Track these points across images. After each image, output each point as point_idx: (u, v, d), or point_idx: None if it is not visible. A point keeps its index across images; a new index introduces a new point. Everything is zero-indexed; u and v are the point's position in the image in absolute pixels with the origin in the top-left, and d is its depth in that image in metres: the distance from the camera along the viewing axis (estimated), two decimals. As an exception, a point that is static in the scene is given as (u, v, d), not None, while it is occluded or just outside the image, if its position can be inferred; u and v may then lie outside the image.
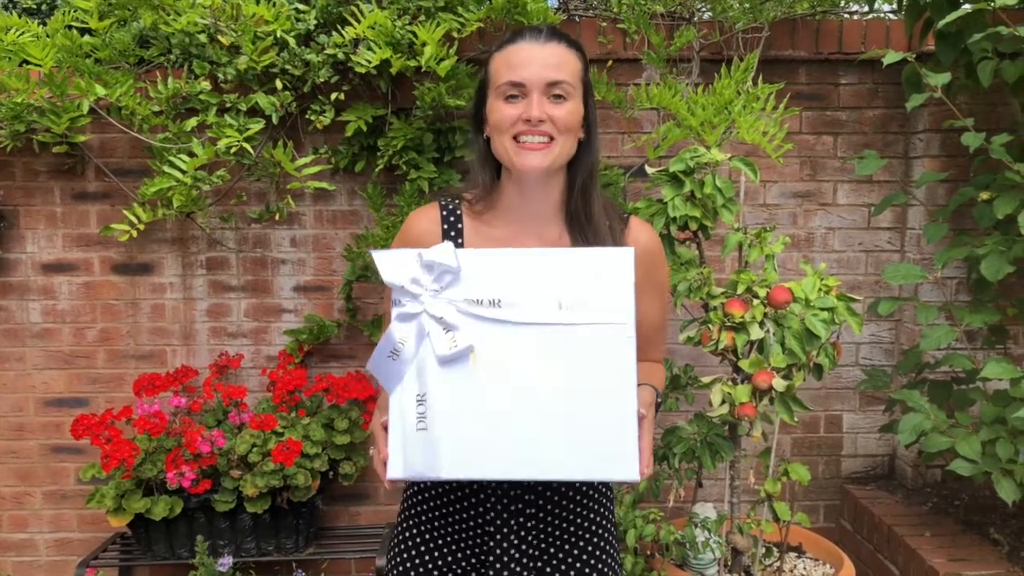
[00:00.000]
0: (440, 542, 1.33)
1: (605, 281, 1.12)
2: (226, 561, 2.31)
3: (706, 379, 1.96)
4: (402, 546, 1.37)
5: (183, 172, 2.29)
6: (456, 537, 1.32)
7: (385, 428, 1.15)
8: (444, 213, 1.33)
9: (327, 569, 2.65)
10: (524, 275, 1.13)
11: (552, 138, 1.23)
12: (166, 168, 2.30)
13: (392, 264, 1.14)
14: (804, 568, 2.24)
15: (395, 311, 1.15)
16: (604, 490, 1.39)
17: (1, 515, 2.70)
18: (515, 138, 1.23)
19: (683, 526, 2.11)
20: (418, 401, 1.13)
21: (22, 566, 2.72)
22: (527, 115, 1.21)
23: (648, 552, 2.17)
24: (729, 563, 2.12)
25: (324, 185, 2.44)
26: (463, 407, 1.12)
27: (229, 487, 2.33)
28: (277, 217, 2.56)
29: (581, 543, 1.33)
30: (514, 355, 1.12)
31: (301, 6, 2.36)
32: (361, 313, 2.63)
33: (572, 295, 1.12)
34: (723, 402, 1.89)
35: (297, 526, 2.45)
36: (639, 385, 1.15)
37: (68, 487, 2.69)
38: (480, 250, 1.17)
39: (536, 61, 1.21)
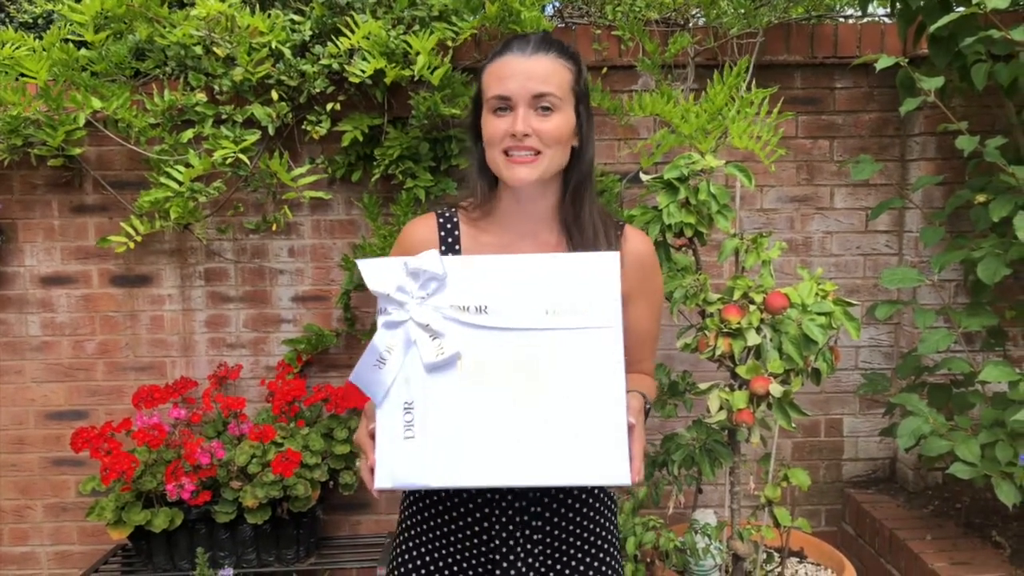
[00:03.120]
0: (442, 563, 1.32)
1: (591, 286, 1.11)
2: (227, 572, 2.31)
3: (703, 385, 1.96)
4: (403, 557, 1.36)
5: (179, 183, 2.29)
6: (460, 556, 1.31)
7: (372, 436, 1.15)
8: (441, 221, 1.33)
9: (328, 579, 2.65)
10: (510, 281, 1.13)
11: (539, 152, 1.23)
12: (162, 179, 2.30)
13: (377, 272, 1.14)
14: (806, 573, 2.23)
15: (381, 319, 1.14)
16: (607, 501, 1.38)
17: (2, 529, 2.70)
18: (505, 152, 1.24)
19: (683, 533, 2.11)
20: (405, 409, 1.12)
21: (23, 579, 2.72)
22: (512, 130, 1.21)
23: (649, 559, 2.16)
24: (730, 569, 2.12)
25: (321, 195, 2.45)
26: (451, 414, 1.11)
27: (229, 498, 2.33)
28: (274, 228, 2.56)
29: (588, 558, 1.32)
30: (501, 361, 1.11)
31: (296, 17, 2.37)
32: (359, 322, 2.63)
33: (558, 300, 1.11)
34: (721, 408, 1.88)
35: (298, 536, 2.45)
36: (628, 392, 1.14)
37: (68, 500, 2.69)
38: (465, 256, 1.18)
39: (521, 74, 1.22)
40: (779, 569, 2.15)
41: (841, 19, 2.68)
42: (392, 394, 1.13)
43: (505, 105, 1.23)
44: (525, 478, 1.11)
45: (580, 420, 1.10)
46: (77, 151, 2.47)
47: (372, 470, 1.13)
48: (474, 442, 1.10)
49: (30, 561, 2.71)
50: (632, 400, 1.19)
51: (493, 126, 1.24)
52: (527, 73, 1.22)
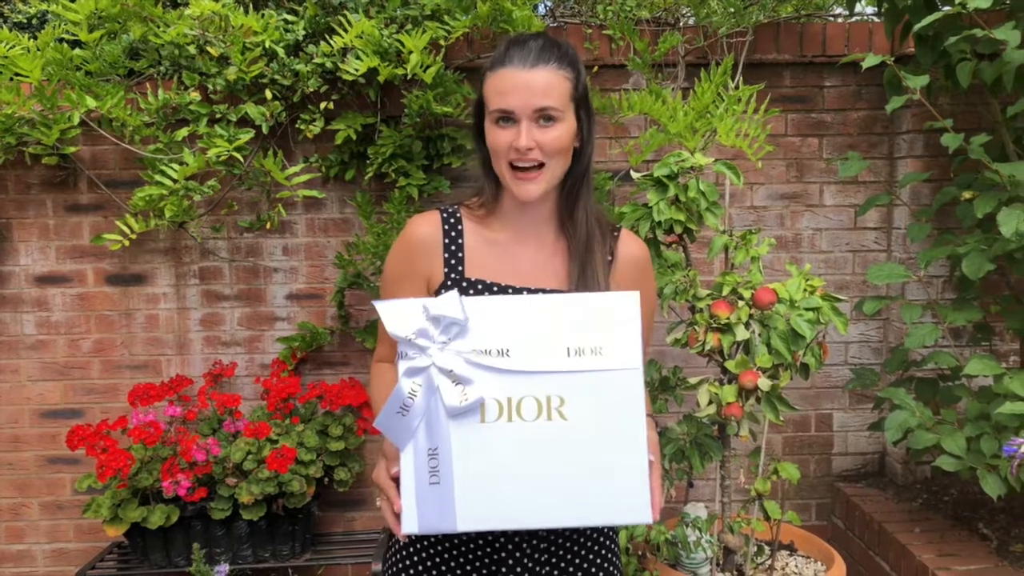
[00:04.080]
0: (444, 567, 1.32)
1: (612, 327, 1.12)
2: (223, 568, 2.33)
3: (693, 380, 1.98)
4: (403, 563, 1.35)
5: (173, 181, 2.31)
6: (462, 560, 1.32)
7: (394, 480, 1.15)
8: (444, 216, 1.35)
9: (324, 575, 2.67)
10: (531, 323, 1.13)
11: (542, 164, 1.25)
12: (157, 177, 2.32)
13: (397, 316, 1.13)
14: (796, 566, 2.26)
15: (402, 365, 1.13)
16: None
17: (-2, 526, 2.72)
18: (510, 165, 1.26)
19: (674, 526, 2.14)
20: (430, 455, 1.12)
21: (19, 577, 2.74)
22: (516, 144, 1.23)
23: (640, 552, 2.19)
24: (721, 562, 2.14)
25: (314, 193, 2.47)
26: (475, 459, 1.11)
27: (225, 495, 2.35)
28: (268, 226, 2.58)
29: (591, 556, 1.34)
30: (525, 404, 1.12)
31: (290, 17, 2.38)
32: (353, 320, 2.65)
33: (580, 341, 1.12)
34: (710, 402, 1.91)
35: (293, 533, 2.46)
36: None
37: (64, 498, 2.70)
38: (486, 299, 1.18)
39: (523, 89, 1.23)
40: (769, 562, 2.18)
41: (830, 18, 2.71)
42: (417, 440, 1.13)
43: (507, 116, 1.25)
44: (550, 520, 1.13)
45: (604, 462, 1.11)
46: (71, 150, 2.48)
47: (397, 515, 1.13)
48: (499, 486, 1.11)
49: (26, 559, 2.72)
50: (650, 432, 1.20)
51: (498, 137, 1.26)
52: (528, 88, 1.23)
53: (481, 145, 1.34)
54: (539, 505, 1.11)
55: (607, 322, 1.13)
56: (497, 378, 1.12)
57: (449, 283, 1.29)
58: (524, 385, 1.12)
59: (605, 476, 1.11)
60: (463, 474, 1.11)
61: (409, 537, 1.15)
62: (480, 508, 1.11)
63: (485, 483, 1.11)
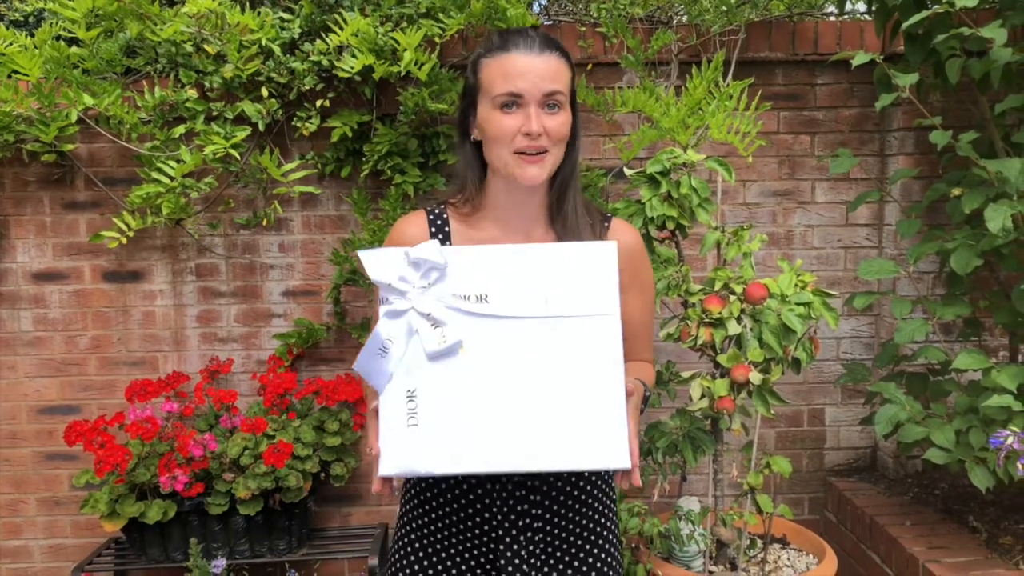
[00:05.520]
0: (444, 554, 1.34)
1: (590, 274, 1.14)
2: (220, 563, 2.34)
3: (686, 374, 2.00)
4: (404, 551, 1.37)
5: (171, 179, 2.32)
6: (461, 548, 1.33)
7: (376, 415, 1.16)
8: (431, 217, 1.35)
9: (320, 570, 2.69)
10: (510, 270, 1.15)
11: (546, 150, 1.25)
12: (154, 175, 2.33)
13: (379, 262, 1.16)
14: (788, 559, 2.28)
15: (383, 308, 1.16)
16: (606, 489, 1.40)
17: (-5, 522, 2.73)
18: (517, 152, 1.24)
19: (668, 519, 2.16)
20: (408, 397, 1.14)
21: (17, 573, 2.74)
22: (527, 128, 1.22)
23: (634, 545, 2.21)
24: (714, 555, 2.17)
25: (310, 190, 2.48)
26: (453, 401, 1.13)
27: (222, 490, 2.36)
28: (265, 223, 2.59)
29: (587, 545, 1.35)
30: (502, 349, 1.14)
31: (285, 15, 2.40)
32: (349, 316, 2.67)
33: (558, 289, 1.14)
34: (703, 396, 1.93)
35: (290, 527, 2.48)
36: (628, 379, 1.16)
37: (62, 493, 2.72)
38: (466, 247, 1.19)
39: (534, 72, 1.23)
40: (762, 555, 2.20)
41: (822, 16, 2.73)
42: (395, 382, 1.15)
43: (514, 102, 1.23)
44: (527, 463, 1.14)
45: (581, 406, 1.12)
46: (69, 148, 2.50)
47: (378, 458, 1.14)
48: (477, 429, 1.13)
49: (23, 555, 2.73)
50: (629, 384, 1.21)
51: (503, 124, 1.24)
52: (538, 72, 1.23)
53: (464, 139, 1.33)
54: (515, 448, 1.12)
55: (584, 269, 1.14)
56: (475, 322, 1.14)
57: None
58: (502, 330, 1.14)
59: (582, 421, 1.12)
60: (441, 417, 1.13)
61: (384, 483, 1.15)
62: (457, 450, 1.13)
63: (462, 426, 1.13)
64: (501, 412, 1.13)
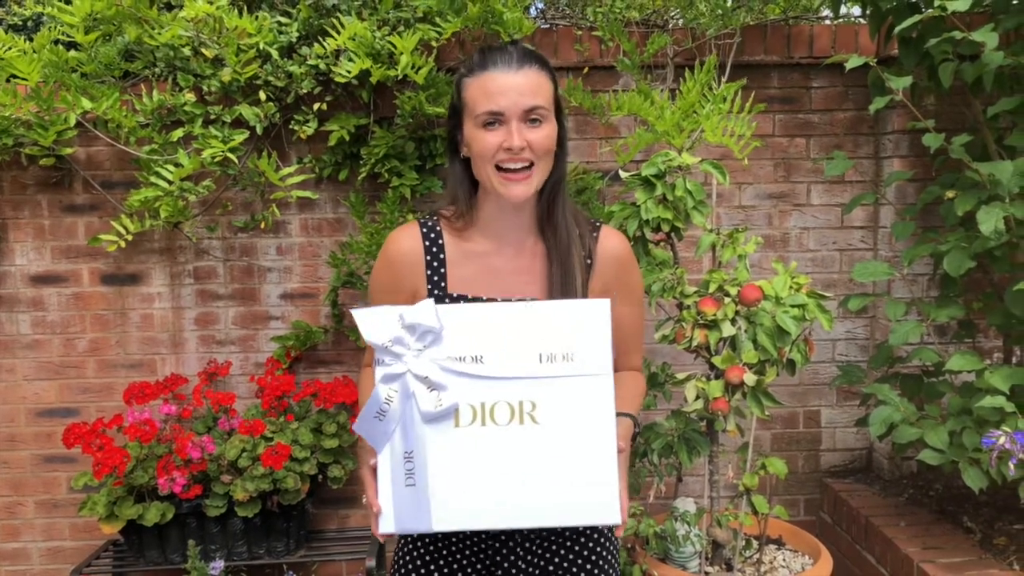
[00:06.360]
0: (446, 552, 1.36)
1: (583, 334, 1.16)
2: (218, 565, 2.35)
3: (681, 376, 2.02)
4: (406, 558, 1.39)
5: (169, 182, 2.33)
6: (462, 547, 1.35)
7: (373, 472, 1.19)
8: (424, 231, 1.36)
9: (318, 571, 2.69)
10: (505, 330, 1.17)
11: (532, 163, 1.27)
12: (152, 178, 2.34)
13: (373, 324, 1.17)
14: (783, 559, 2.29)
15: (379, 371, 1.18)
16: None
17: (-6, 525, 2.74)
18: (498, 167, 1.27)
19: (664, 520, 2.17)
20: (405, 458, 1.17)
21: (15, 575, 2.75)
22: (508, 144, 1.24)
23: (630, 545, 2.22)
24: (710, 556, 2.18)
25: (308, 194, 2.49)
26: (449, 463, 1.16)
27: (220, 492, 2.37)
28: (263, 226, 2.60)
29: (584, 546, 1.37)
30: (498, 409, 1.16)
31: (283, 19, 2.41)
32: (347, 319, 2.68)
33: (552, 348, 1.16)
34: (698, 397, 1.94)
35: (287, 529, 2.49)
36: (618, 415, 1.20)
37: (60, 496, 2.72)
38: (460, 307, 1.22)
39: (512, 89, 1.25)
40: (757, 555, 2.21)
41: (817, 20, 2.75)
42: (393, 443, 1.18)
43: (495, 119, 1.26)
44: (521, 521, 1.18)
45: (574, 467, 1.16)
46: (67, 151, 2.51)
47: (378, 516, 1.18)
48: (472, 489, 1.16)
49: (22, 557, 2.74)
50: (621, 426, 1.24)
51: (485, 141, 1.26)
52: (517, 88, 1.25)
53: (454, 155, 1.35)
54: (511, 507, 1.16)
55: (578, 329, 1.17)
56: (471, 384, 1.16)
57: (433, 299, 1.31)
58: (497, 390, 1.16)
59: (575, 479, 1.15)
60: (437, 477, 1.16)
61: (386, 537, 1.19)
62: (454, 509, 1.16)
63: (459, 485, 1.16)
64: (496, 472, 1.16)
